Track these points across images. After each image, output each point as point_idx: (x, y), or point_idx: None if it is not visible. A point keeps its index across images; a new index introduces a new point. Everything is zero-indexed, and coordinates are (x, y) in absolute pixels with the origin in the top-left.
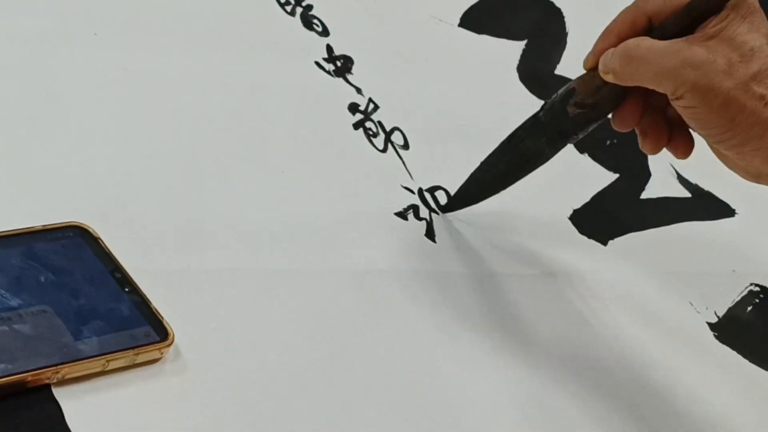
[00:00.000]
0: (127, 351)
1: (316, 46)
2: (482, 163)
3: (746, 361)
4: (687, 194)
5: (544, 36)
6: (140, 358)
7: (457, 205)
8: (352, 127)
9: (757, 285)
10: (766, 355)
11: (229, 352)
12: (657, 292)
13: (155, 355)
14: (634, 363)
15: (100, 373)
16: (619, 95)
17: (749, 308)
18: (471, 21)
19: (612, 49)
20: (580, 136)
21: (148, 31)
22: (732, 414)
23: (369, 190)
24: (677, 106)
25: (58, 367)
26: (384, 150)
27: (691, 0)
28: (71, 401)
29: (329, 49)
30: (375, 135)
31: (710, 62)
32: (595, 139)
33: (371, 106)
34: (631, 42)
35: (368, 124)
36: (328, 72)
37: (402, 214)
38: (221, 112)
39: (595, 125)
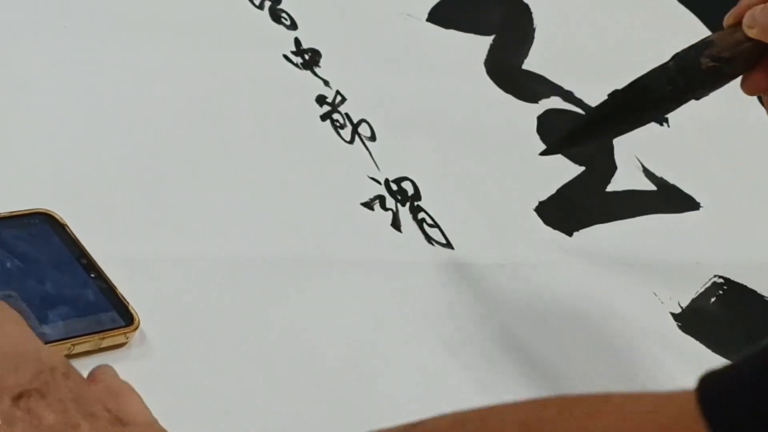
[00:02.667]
0: (93, 335)
1: (285, 40)
2: (601, 106)
3: (709, 351)
4: (652, 187)
5: (511, 31)
6: (106, 343)
7: (561, 146)
8: (319, 119)
9: (720, 277)
10: (729, 345)
11: (193, 337)
12: (621, 283)
13: (121, 339)
14: (598, 352)
15: (66, 357)
16: (756, 55)
17: (712, 299)
18: (439, 16)
19: (763, 5)
20: (706, 94)
21: (116, 24)
22: None
23: (336, 181)
24: None
25: None
26: (351, 141)
27: None
28: None
29: (297, 42)
30: (342, 126)
31: None
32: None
33: (338, 98)
34: None
35: (335, 116)
36: (296, 65)
37: (368, 205)
38: (190, 103)
39: (721, 85)
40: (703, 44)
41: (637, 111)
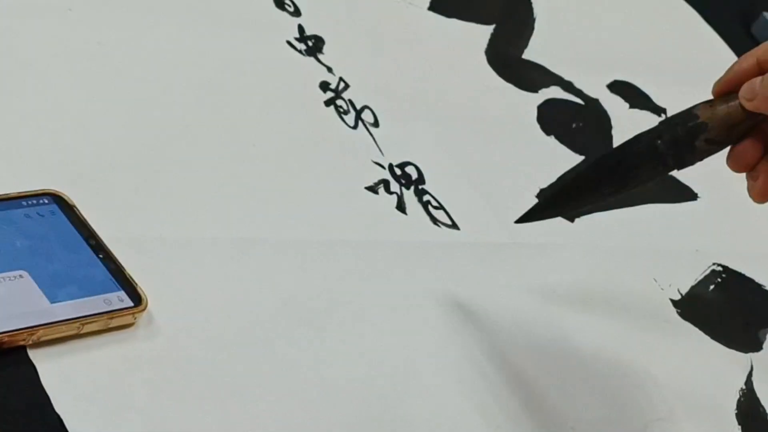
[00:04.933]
0: (102, 315)
1: (288, 26)
2: (576, 180)
3: (707, 337)
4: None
5: (512, 21)
6: (114, 323)
7: (535, 218)
8: (323, 104)
9: (719, 265)
10: (726, 332)
11: (200, 319)
12: (622, 268)
13: (129, 320)
14: (598, 335)
15: (75, 336)
16: (749, 131)
17: (711, 287)
18: (441, 5)
19: (761, 77)
20: (696, 163)
21: (122, 7)
22: (691, 386)
23: (340, 165)
24: None
25: (34, 329)
26: (354, 127)
27: None
28: (46, 363)
29: (301, 29)
30: (346, 112)
31: None
32: (562, 121)
33: (342, 84)
34: None
35: (339, 102)
36: (300, 51)
37: (373, 188)
38: (194, 87)
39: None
40: (697, 127)
41: (625, 186)
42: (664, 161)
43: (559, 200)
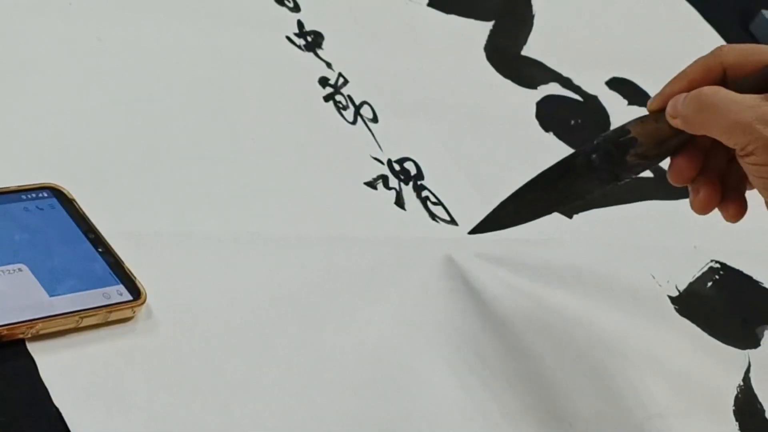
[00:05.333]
0: (101, 309)
1: (288, 22)
2: (519, 196)
3: (705, 334)
4: (650, 174)
5: (511, 17)
6: (113, 317)
7: (485, 229)
8: (322, 100)
9: (717, 262)
10: (724, 329)
11: (199, 313)
12: (620, 264)
13: (128, 314)
14: (595, 332)
15: (74, 330)
16: (682, 146)
17: (709, 284)
18: (440, 1)
19: (685, 94)
20: (632, 178)
21: (122, 2)
22: (689, 383)
23: (339, 160)
24: (745, 162)
25: (33, 322)
26: (353, 122)
27: None
28: (45, 356)
29: (300, 24)
30: (345, 108)
31: None
32: (561, 118)
33: (341, 80)
34: (708, 89)
35: (338, 98)
36: (299, 47)
37: (372, 184)
38: (194, 83)
39: (646, 169)
40: (627, 141)
41: (562, 201)
42: (599, 175)
43: (504, 214)
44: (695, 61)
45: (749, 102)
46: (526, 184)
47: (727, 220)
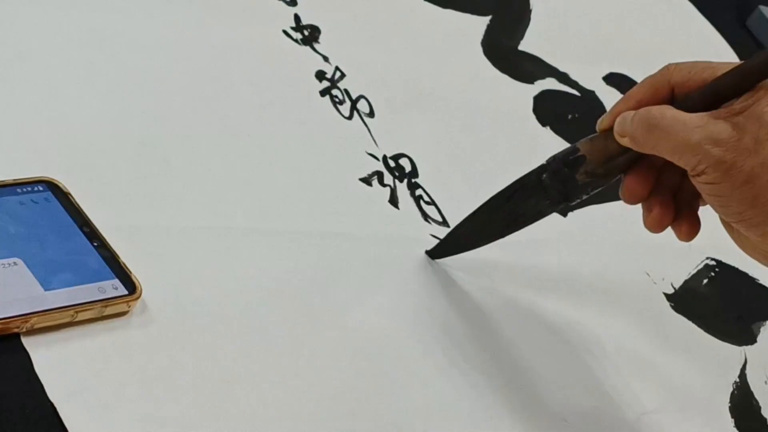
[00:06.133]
0: (96, 303)
1: (284, 16)
2: (473, 217)
3: (701, 331)
4: None
5: (508, 12)
6: (108, 311)
7: (444, 254)
8: (318, 94)
9: (712, 259)
10: (719, 325)
11: (194, 308)
12: (615, 262)
13: (123, 308)
14: (591, 329)
15: (69, 324)
16: (631, 164)
17: (705, 281)
18: None
19: (632, 112)
20: (584, 198)
21: None
22: (684, 379)
23: (334, 156)
24: (697, 181)
25: (28, 316)
26: (350, 117)
27: (719, 76)
28: (40, 350)
29: (297, 18)
30: (341, 102)
31: (735, 139)
32: (557, 113)
33: (338, 74)
34: (655, 110)
35: (334, 92)
36: (296, 40)
37: (366, 180)
38: (190, 76)
39: (598, 189)
40: (576, 160)
41: (514, 222)
42: (549, 194)
43: (459, 237)
44: (642, 81)
45: (697, 121)
46: (480, 206)
47: (681, 239)
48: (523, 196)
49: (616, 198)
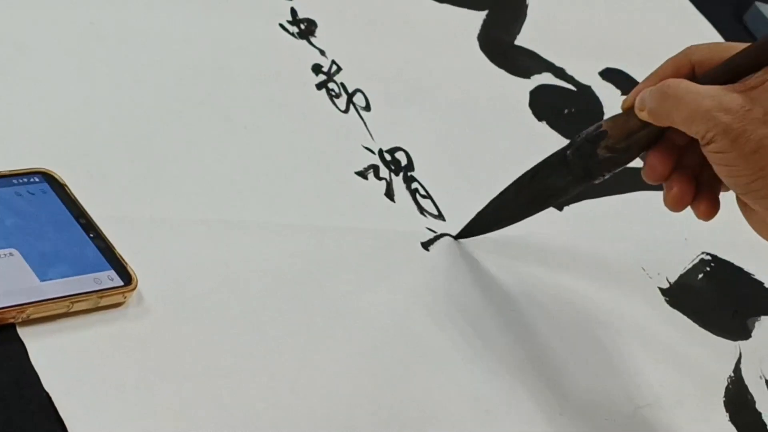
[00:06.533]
0: (92, 294)
1: (281, 9)
2: (500, 196)
3: (696, 326)
4: (642, 165)
5: (504, 7)
6: (104, 302)
7: (472, 233)
8: (315, 88)
9: (708, 254)
10: (715, 320)
11: (190, 299)
12: (610, 256)
13: (119, 299)
14: (586, 323)
15: (65, 315)
16: (651, 140)
17: (700, 276)
18: None
19: (651, 87)
20: (607, 177)
21: None
22: (679, 373)
23: (330, 149)
24: (707, 151)
25: (23, 306)
26: (346, 111)
27: (736, 54)
28: (35, 340)
29: (293, 12)
30: (337, 96)
31: (746, 109)
32: (554, 107)
33: (334, 67)
34: (672, 81)
35: (331, 85)
36: (292, 34)
37: (362, 174)
38: (186, 69)
39: (620, 168)
40: (598, 134)
41: (540, 200)
42: (572, 171)
43: (486, 217)
44: (666, 61)
45: (710, 91)
46: (507, 187)
47: (699, 217)
48: (546, 173)
49: (613, 192)
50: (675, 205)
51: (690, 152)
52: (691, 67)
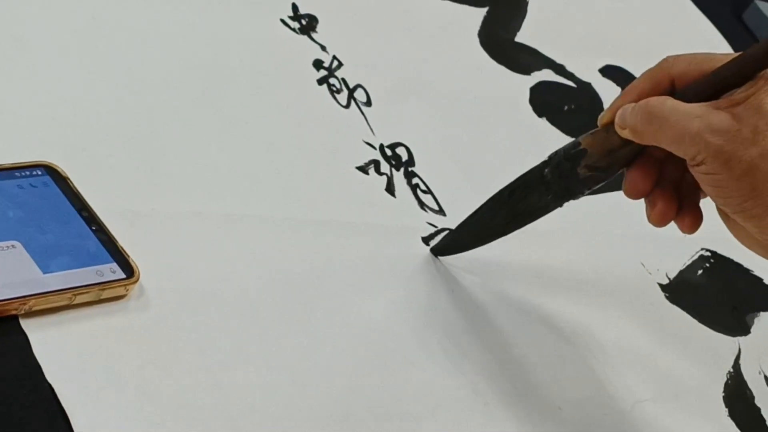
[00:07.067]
0: (94, 287)
1: (282, 5)
2: (477, 214)
3: (695, 321)
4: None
5: (505, 4)
6: (106, 294)
7: (448, 251)
8: (316, 83)
9: (707, 250)
10: (714, 316)
11: (191, 292)
12: (610, 252)
13: (121, 291)
14: (586, 318)
15: (67, 307)
16: (632, 158)
17: (699, 271)
18: None
19: (632, 104)
20: (586, 193)
21: None
22: (678, 369)
23: (331, 144)
24: (696, 172)
25: (26, 298)
26: (347, 106)
27: (719, 67)
28: (38, 332)
29: (294, 7)
30: (338, 91)
31: (735, 129)
32: (554, 103)
33: (335, 63)
34: (655, 100)
35: (332, 81)
36: (293, 29)
37: (363, 169)
38: (188, 64)
39: (601, 184)
40: (577, 153)
41: (519, 218)
42: (551, 189)
43: (464, 236)
44: (642, 74)
45: (697, 111)
46: (482, 204)
47: (684, 231)
48: (525, 192)
49: (611, 189)
50: (659, 221)
51: (669, 165)
52: (671, 81)
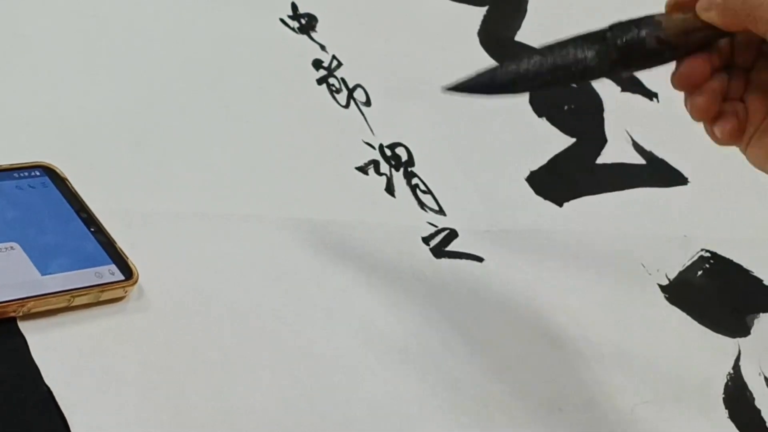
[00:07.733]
0: (92, 288)
1: (281, 4)
2: (521, 55)
3: (695, 322)
4: (642, 161)
5: (505, 3)
6: (105, 296)
7: (471, 89)
8: (315, 83)
9: (707, 251)
10: (714, 317)
11: (190, 293)
12: (610, 253)
13: (119, 293)
14: (585, 319)
15: (65, 309)
16: (702, 45)
17: (699, 272)
18: None
19: None
20: (631, 73)
21: None
22: (678, 370)
23: (331, 144)
24: None
25: (24, 300)
26: (346, 106)
27: None
28: (36, 334)
29: (294, 7)
30: (338, 91)
31: None
32: (554, 103)
33: (335, 62)
34: None
35: (331, 80)
36: (293, 29)
37: (363, 169)
38: (188, 63)
39: (651, 67)
40: (650, 23)
41: (560, 71)
42: (607, 48)
43: (498, 76)
44: None
45: None
46: (527, 52)
47: (717, 136)
48: (578, 45)
49: (612, 189)
50: (700, 113)
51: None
52: None
